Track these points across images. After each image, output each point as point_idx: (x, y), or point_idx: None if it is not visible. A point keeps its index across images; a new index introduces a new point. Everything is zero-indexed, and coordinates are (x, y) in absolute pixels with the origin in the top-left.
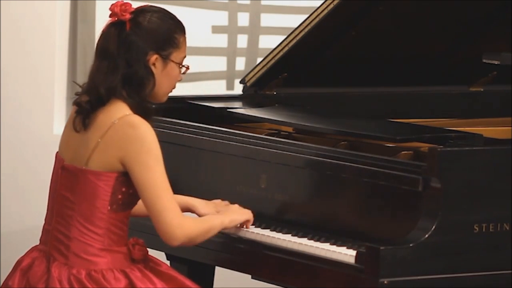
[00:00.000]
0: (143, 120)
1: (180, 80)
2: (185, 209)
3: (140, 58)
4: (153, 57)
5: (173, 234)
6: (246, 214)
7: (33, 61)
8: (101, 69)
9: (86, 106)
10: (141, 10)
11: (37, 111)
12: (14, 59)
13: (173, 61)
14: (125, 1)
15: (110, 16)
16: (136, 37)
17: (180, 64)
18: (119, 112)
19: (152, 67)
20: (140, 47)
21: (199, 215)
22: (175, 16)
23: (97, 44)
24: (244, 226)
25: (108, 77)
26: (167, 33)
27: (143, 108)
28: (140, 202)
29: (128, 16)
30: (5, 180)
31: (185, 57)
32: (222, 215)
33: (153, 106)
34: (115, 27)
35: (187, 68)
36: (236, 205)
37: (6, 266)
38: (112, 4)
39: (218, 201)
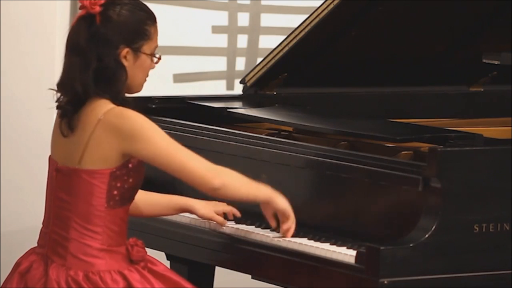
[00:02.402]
0: (127, 108)
1: (153, 68)
2: (184, 210)
3: (110, 52)
4: (124, 51)
5: (208, 176)
6: (289, 214)
7: (33, 61)
8: (74, 65)
9: (68, 107)
10: (111, 3)
11: (37, 111)
12: (14, 59)
13: (144, 53)
14: None
15: (80, 8)
16: (106, 30)
17: (152, 55)
18: (102, 107)
19: (123, 60)
20: (110, 41)
21: (199, 216)
22: (146, 7)
23: (67, 38)
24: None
25: (81, 74)
26: (138, 26)
27: (121, 100)
28: (136, 201)
29: (98, 9)
30: (5, 180)
31: (157, 46)
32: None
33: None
34: (85, 21)
35: (159, 58)
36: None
37: (6, 266)
38: None
39: (217, 202)
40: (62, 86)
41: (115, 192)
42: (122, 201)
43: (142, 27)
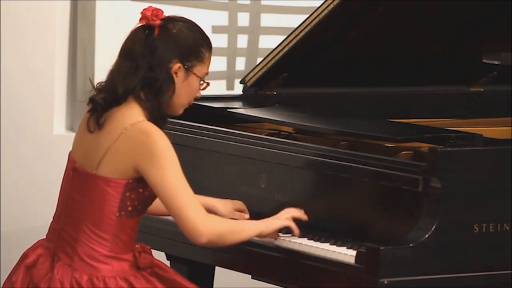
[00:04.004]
0: (155, 127)
1: (198, 97)
2: (207, 209)
3: (163, 63)
4: (176, 66)
5: (198, 231)
6: (287, 221)
7: (33, 61)
8: (122, 69)
9: (101, 102)
10: (172, 18)
11: (37, 111)
12: (14, 59)
13: (195, 74)
14: (157, 8)
15: (141, 19)
16: (163, 42)
17: (201, 79)
18: (132, 117)
19: (174, 76)
20: (164, 53)
21: (220, 215)
22: (204, 32)
23: (123, 44)
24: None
25: (127, 78)
26: (194, 45)
27: (159, 114)
28: (157, 200)
29: (158, 21)
30: (5, 180)
31: (207, 73)
32: (259, 221)
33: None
34: (144, 31)
35: (208, 84)
36: (284, 210)
37: (6, 266)
38: (145, 8)
39: (235, 201)
40: (105, 86)
41: (128, 203)
42: (134, 212)
43: (198, 47)
